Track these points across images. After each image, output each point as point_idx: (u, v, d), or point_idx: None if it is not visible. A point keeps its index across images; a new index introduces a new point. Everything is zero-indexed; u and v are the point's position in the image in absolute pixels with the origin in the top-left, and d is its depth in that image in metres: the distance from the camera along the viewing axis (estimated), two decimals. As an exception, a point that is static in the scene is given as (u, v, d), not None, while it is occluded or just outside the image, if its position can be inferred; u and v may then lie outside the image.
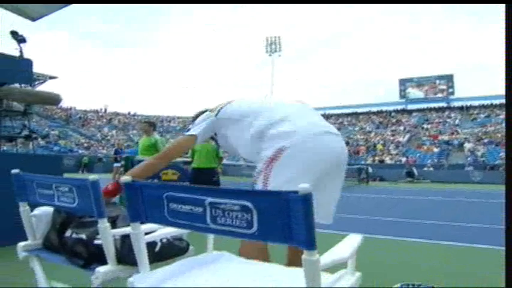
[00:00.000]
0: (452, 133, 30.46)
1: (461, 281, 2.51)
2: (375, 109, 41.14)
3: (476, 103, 36.78)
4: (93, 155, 27.41)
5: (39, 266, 1.49)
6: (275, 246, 1.01)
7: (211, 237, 1.45)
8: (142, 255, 1.12)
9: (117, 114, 45.31)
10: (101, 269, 1.23)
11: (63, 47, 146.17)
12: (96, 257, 1.31)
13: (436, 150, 27.45)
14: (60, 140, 31.03)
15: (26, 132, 5.61)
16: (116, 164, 11.65)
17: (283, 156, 1.43)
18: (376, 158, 27.23)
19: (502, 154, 21.53)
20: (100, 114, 44.12)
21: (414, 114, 38.40)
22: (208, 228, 0.93)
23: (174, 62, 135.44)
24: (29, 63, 5.00)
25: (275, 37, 46.94)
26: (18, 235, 1.60)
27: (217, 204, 0.88)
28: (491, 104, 35.10)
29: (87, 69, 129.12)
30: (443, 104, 38.61)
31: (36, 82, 29.16)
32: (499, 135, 26.24)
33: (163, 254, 1.42)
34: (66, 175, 2.61)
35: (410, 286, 1.60)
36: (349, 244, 1.10)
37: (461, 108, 36.95)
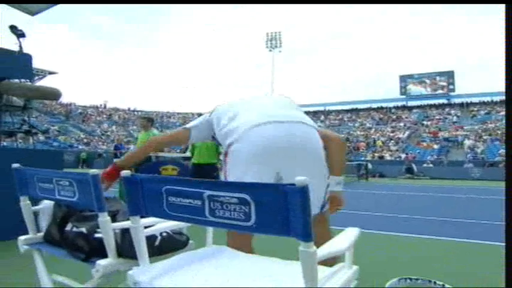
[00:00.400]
0: (454, 129, 30.43)
1: (460, 277, 2.53)
2: (375, 105, 41.06)
3: (476, 100, 36.71)
4: (93, 151, 27.37)
5: (40, 259, 1.51)
6: (271, 238, 1.01)
7: (210, 231, 1.46)
8: (142, 248, 1.13)
9: (117, 109, 45.16)
10: (102, 262, 1.25)
11: (63, 43, 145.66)
12: (97, 250, 1.33)
13: (435, 146, 27.45)
14: (60, 135, 30.99)
15: (25, 127, 5.62)
16: (116, 160, 11.69)
17: (230, 151, 1.55)
18: (376, 154, 27.22)
19: (502, 151, 21.51)
20: (100, 109, 44.02)
21: (414, 110, 38.31)
22: (207, 221, 0.94)
23: (174, 62, 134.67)
24: (28, 58, 4.99)
25: (275, 33, 46.69)
26: (19, 229, 1.61)
27: (216, 197, 0.89)
28: (492, 101, 35.04)
29: (87, 65, 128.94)
30: (443, 101, 38.51)
31: (36, 77, 29.10)
32: (499, 132, 26.23)
33: (163, 247, 1.43)
34: (66, 170, 2.62)
35: (409, 280, 1.61)
36: (347, 237, 1.10)
37: (461, 105, 36.86)
